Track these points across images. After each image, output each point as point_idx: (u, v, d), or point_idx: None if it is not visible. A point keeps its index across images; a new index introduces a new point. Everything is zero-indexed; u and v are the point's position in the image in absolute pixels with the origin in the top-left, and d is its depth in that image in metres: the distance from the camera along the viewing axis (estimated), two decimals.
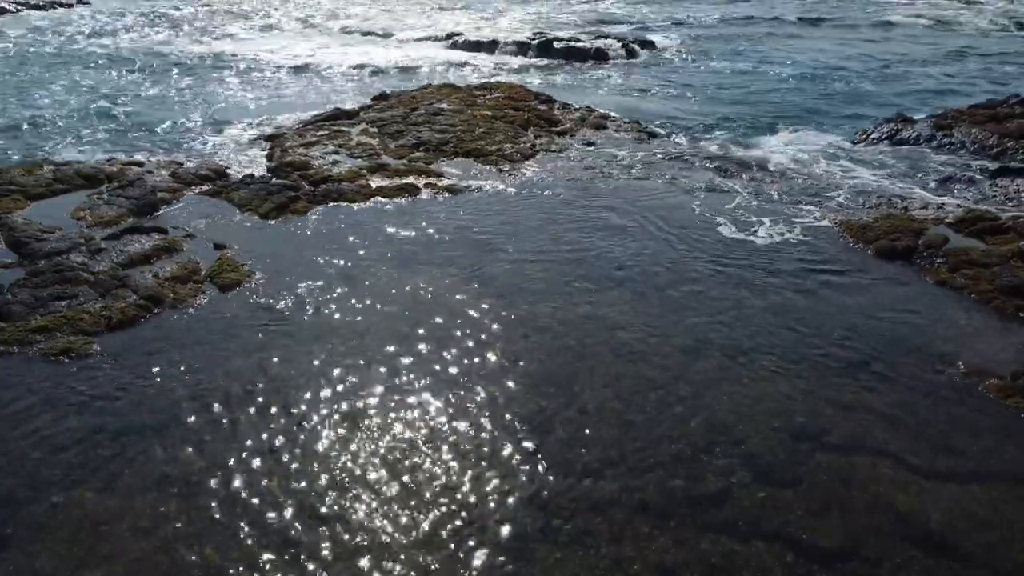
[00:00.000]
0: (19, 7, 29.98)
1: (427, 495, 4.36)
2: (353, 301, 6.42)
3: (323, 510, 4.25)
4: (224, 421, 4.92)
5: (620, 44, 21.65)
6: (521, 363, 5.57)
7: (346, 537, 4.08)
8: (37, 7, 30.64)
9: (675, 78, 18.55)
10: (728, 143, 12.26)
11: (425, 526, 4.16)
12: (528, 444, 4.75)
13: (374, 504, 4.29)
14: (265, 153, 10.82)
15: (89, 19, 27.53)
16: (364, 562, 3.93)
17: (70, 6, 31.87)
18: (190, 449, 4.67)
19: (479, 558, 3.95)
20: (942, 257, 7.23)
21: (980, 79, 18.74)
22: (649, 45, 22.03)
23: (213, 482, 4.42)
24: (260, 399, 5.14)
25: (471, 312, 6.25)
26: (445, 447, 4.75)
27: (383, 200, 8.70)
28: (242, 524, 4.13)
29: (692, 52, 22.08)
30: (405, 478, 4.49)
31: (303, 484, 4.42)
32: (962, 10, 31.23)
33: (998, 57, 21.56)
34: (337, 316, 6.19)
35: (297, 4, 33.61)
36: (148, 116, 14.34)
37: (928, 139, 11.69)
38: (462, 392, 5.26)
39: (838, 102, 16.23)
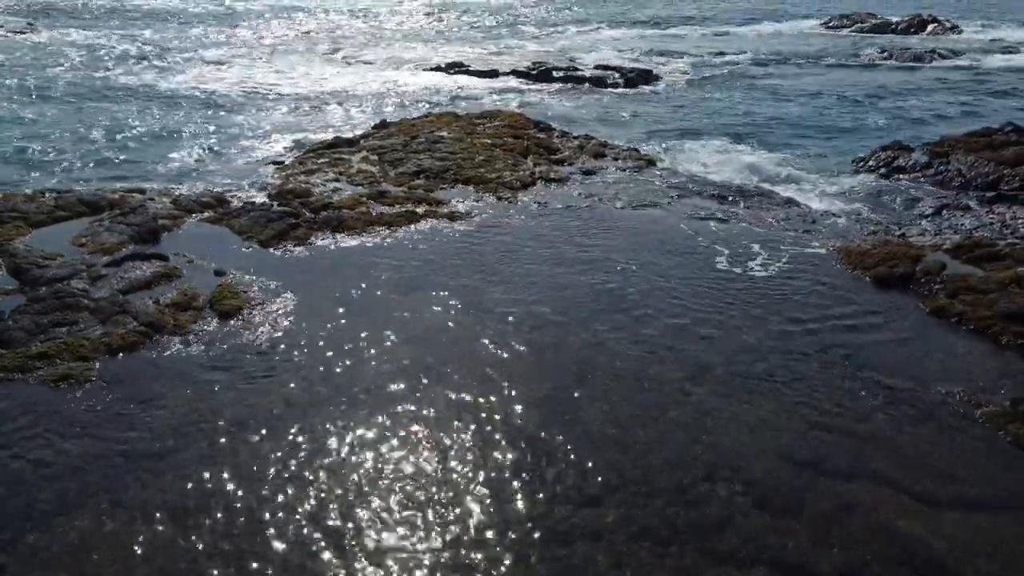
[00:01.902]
0: (22, 35, 30.24)
1: (424, 523, 4.34)
2: (351, 327, 6.43)
3: (322, 539, 4.22)
4: (222, 449, 4.91)
5: (619, 74, 21.87)
6: (520, 389, 5.57)
7: (344, 567, 4.05)
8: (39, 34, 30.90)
9: (673, 108, 18.72)
10: (726, 171, 12.35)
11: (423, 555, 4.13)
12: (527, 470, 4.74)
13: (372, 533, 4.27)
14: (266, 180, 10.88)
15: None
16: None
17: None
18: (188, 477, 4.65)
19: None
20: (940, 284, 7.25)
21: (974, 108, 18.94)
22: (647, 75, 22.24)
23: (211, 510, 4.39)
24: (258, 427, 5.13)
25: (469, 338, 6.26)
26: (443, 474, 4.73)
27: (383, 227, 8.74)
28: (240, 553, 4.11)
29: (690, 83, 22.30)
30: (402, 505, 4.47)
31: (303, 512, 4.40)
32: (950, 44, 31.67)
33: (990, 87, 21.82)
34: (335, 342, 6.19)
35: (295, 33, 33.97)
36: (147, 145, 14.46)
37: (925, 167, 11.78)
38: (460, 418, 5.25)
39: (835, 132, 16.38)
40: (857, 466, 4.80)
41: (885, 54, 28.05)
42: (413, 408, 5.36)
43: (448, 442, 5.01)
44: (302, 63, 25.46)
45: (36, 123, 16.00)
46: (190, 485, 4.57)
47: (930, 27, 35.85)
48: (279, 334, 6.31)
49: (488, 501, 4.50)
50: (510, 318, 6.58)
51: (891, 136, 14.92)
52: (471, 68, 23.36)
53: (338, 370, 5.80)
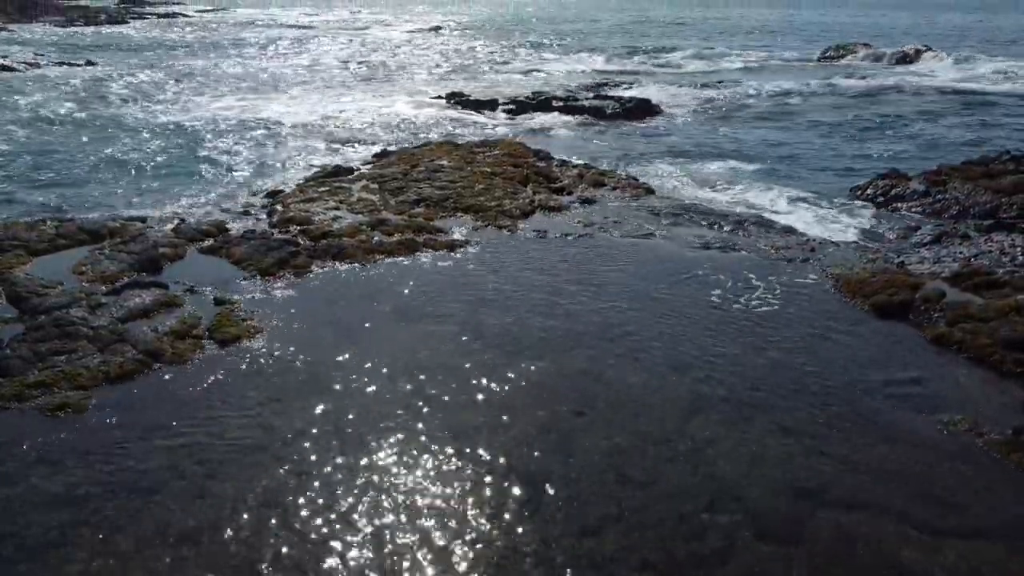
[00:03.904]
0: (29, 67, 30.55)
1: (423, 554, 4.30)
2: (351, 357, 6.41)
3: (320, 566, 4.17)
4: (219, 479, 4.87)
5: (618, 103, 22.04)
6: (519, 418, 5.54)
7: None
8: (45, 66, 31.24)
9: (671, 136, 18.84)
10: (725, 199, 12.40)
11: None
12: (527, 500, 4.70)
13: (371, 563, 4.22)
14: (266, 209, 10.93)
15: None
16: None
17: (78, 65, 32.40)
18: (185, 507, 4.61)
19: None
20: (939, 312, 7.24)
21: (969, 136, 19.09)
22: (646, 104, 22.42)
23: (208, 540, 4.35)
24: (256, 457, 5.09)
25: (469, 367, 6.25)
26: (442, 504, 4.69)
27: (383, 255, 8.75)
28: None
29: (687, 112, 22.48)
30: (401, 536, 4.43)
31: (300, 543, 4.36)
32: (945, 73, 32.01)
33: (984, 114, 22.01)
34: (335, 371, 6.18)
35: (292, 65, 34.30)
36: (148, 175, 14.52)
37: (923, 195, 11.83)
38: (459, 448, 5.22)
39: (833, 160, 16.46)
40: (859, 495, 4.76)
41: (880, 82, 28.32)
42: (411, 437, 5.33)
43: (446, 471, 4.98)
44: (302, 93, 25.66)
45: (49, 150, 16.10)
46: (187, 515, 4.53)
47: (924, 56, 36.24)
48: (278, 363, 6.30)
49: (487, 531, 4.45)
50: (510, 347, 6.57)
51: (888, 164, 15.00)
52: (471, 98, 23.54)
53: (337, 399, 5.78)
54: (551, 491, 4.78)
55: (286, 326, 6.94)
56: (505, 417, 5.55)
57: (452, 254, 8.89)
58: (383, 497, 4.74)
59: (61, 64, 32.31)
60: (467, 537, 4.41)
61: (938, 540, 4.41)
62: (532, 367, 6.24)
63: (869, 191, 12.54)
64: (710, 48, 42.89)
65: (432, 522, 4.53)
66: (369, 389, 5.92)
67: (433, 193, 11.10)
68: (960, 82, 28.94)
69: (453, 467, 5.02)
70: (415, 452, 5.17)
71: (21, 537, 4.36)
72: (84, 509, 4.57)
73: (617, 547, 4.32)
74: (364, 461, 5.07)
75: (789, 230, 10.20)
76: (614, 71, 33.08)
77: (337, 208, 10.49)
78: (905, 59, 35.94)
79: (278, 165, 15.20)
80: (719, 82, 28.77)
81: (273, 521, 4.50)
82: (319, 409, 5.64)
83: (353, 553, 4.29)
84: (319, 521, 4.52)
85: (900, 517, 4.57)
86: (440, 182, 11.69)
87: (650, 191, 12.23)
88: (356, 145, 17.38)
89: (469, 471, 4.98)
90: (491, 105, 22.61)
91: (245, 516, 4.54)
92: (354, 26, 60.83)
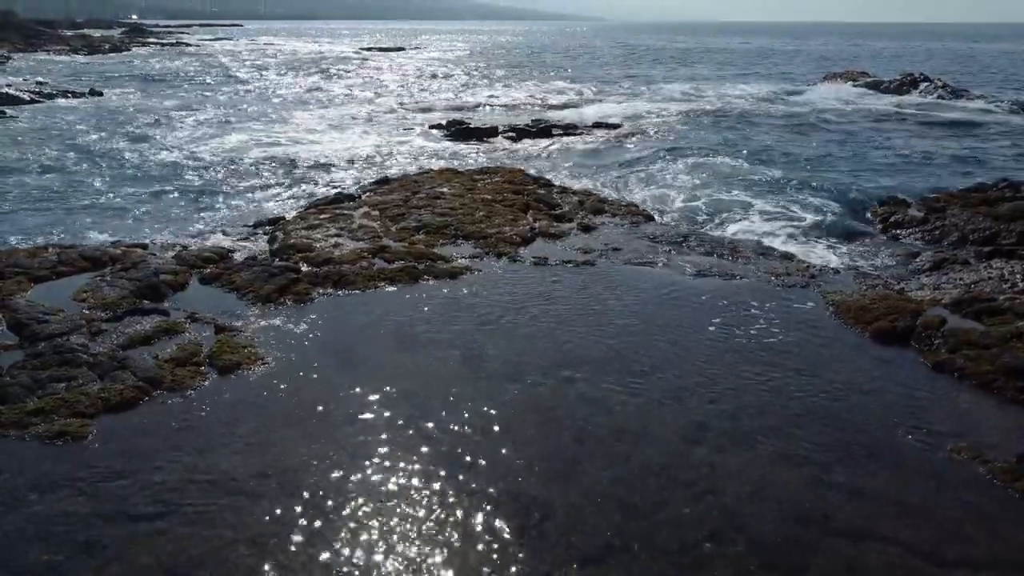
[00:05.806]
0: (34, 97, 30.78)
1: None
2: (351, 382, 6.39)
3: None
4: (218, 508, 4.83)
5: (616, 128, 22.21)
6: (520, 446, 5.51)
7: None
8: (50, 96, 31.48)
9: (668, 158, 18.95)
10: (723, 225, 12.46)
11: None
12: (527, 529, 4.66)
13: None
14: (267, 236, 10.96)
15: (93, 115, 28.27)
16: None
17: (82, 95, 32.73)
18: (183, 537, 4.57)
19: None
20: (941, 338, 7.23)
21: (962, 163, 19.22)
22: (644, 127, 22.60)
23: (206, 572, 4.31)
24: (255, 486, 5.06)
25: (469, 394, 6.22)
26: (438, 535, 4.65)
27: (383, 282, 8.76)
28: None
29: (685, 134, 22.64)
30: (397, 566, 4.38)
31: (299, 574, 4.32)
32: (941, 101, 32.28)
33: (976, 139, 22.17)
34: (335, 399, 6.15)
35: (292, 95, 34.60)
36: (151, 200, 14.60)
37: (921, 221, 11.88)
38: (459, 475, 5.18)
39: (831, 186, 16.54)
40: (864, 524, 4.72)
41: (879, 107, 28.55)
42: (410, 466, 5.29)
43: (445, 501, 4.94)
44: (301, 124, 25.85)
45: (56, 181, 16.20)
46: (184, 546, 4.49)
47: (922, 85, 36.57)
48: (278, 390, 6.28)
49: (486, 563, 4.41)
50: (510, 374, 6.55)
51: (887, 190, 15.08)
52: (471, 125, 23.72)
53: (337, 428, 5.75)
54: (551, 520, 4.74)
55: (286, 353, 6.93)
56: (505, 445, 5.52)
57: (452, 281, 8.90)
58: (379, 526, 4.70)
59: (65, 94, 32.61)
60: (465, 568, 4.37)
61: (944, 570, 4.36)
62: (532, 394, 6.22)
63: (868, 216, 12.61)
64: (708, 75, 43.28)
65: (429, 551, 4.49)
66: (369, 417, 5.89)
67: (434, 220, 11.14)
68: (954, 111, 29.19)
69: (452, 495, 4.98)
70: (414, 480, 5.13)
71: (17, 564, 4.31)
72: (82, 538, 4.53)
73: None
74: (363, 490, 5.03)
75: (788, 256, 10.23)
76: (611, 95, 33.35)
77: (338, 235, 10.52)
78: (902, 87, 36.28)
79: (279, 193, 15.28)
80: (717, 110, 29.00)
81: (273, 551, 4.46)
82: (318, 437, 5.60)
83: None
84: (318, 553, 4.48)
85: (905, 547, 4.53)
86: (440, 209, 11.74)
87: (649, 218, 12.29)
88: (357, 172, 17.48)
89: (468, 500, 4.94)
90: (491, 132, 22.79)
91: (245, 547, 4.49)
92: (356, 57, 61.47)
